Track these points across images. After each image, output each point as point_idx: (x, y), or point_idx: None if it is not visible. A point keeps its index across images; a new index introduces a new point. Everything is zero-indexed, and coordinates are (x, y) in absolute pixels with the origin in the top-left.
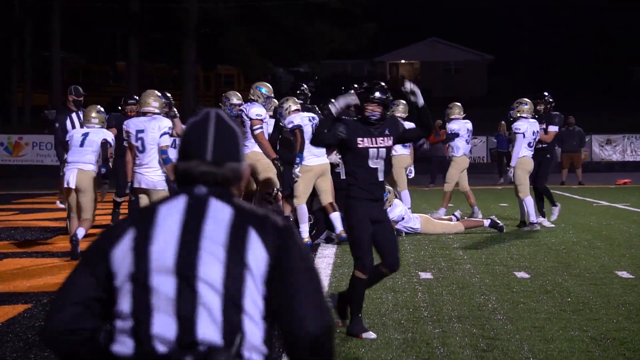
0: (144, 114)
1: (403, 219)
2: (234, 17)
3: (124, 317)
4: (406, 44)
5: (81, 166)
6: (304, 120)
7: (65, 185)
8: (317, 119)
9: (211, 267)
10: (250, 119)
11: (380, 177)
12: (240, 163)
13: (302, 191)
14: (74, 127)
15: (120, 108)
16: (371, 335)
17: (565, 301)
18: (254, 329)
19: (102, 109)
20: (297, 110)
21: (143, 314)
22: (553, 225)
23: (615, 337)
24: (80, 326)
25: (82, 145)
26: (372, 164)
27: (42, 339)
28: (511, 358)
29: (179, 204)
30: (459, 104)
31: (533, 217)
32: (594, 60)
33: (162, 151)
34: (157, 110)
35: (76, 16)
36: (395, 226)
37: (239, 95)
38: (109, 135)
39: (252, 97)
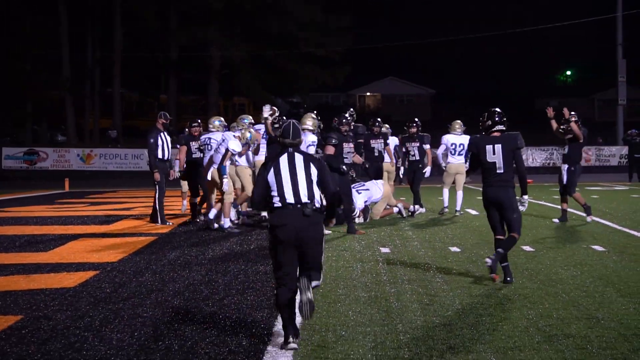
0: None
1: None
2: (246, 62)
3: (275, 193)
4: (371, 81)
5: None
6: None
7: (209, 179)
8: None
9: (300, 174)
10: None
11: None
12: (301, 139)
13: None
14: (162, 142)
15: (187, 130)
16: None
17: (485, 268)
18: (317, 195)
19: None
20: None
21: (281, 191)
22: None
23: (520, 293)
24: (258, 201)
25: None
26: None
27: (252, 205)
28: (446, 309)
29: (285, 155)
30: (459, 121)
31: (446, 203)
32: (509, 91)
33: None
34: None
35: (131, 63)
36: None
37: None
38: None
39: (211, 129)
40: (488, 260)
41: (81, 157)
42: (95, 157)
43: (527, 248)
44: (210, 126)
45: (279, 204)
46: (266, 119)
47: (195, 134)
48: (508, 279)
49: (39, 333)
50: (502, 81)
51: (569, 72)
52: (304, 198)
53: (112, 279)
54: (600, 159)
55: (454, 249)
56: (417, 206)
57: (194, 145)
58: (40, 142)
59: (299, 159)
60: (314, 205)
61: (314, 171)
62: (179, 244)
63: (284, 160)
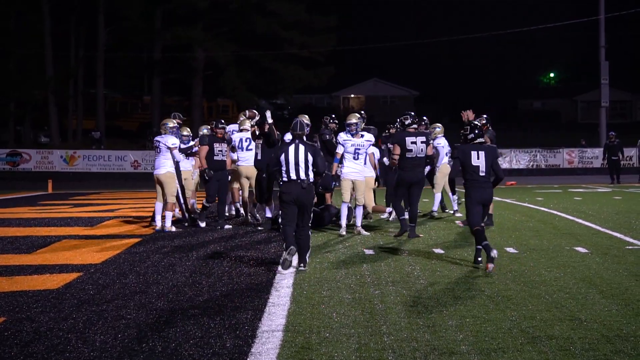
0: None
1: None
2: (230, 63)
3: (284, 169)
4: (355, 83)
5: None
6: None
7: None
8: None
9: (301, 159)
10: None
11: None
12: (304, 132)
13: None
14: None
15: (211, 130)
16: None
17: (469, 269)
18: (311, 174)
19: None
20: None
21: (287, 169)
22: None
23: (504, 295)
24: (275, 169)
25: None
26: None
27: (268, 174)
28: (430, 311)
29: (292, 144)
30: (440, 125)
31: (436, 207)
32: (493, 92)
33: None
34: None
35: (115, 63)
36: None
37: (188, 129)
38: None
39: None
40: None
41: (64, 158)
42: (79, 158)
43: (510, 250)
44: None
45: (286, 179)
46: (270, 124)
47: (219, 135)
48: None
49: (22, 335)
50: (486, 82)
51: (552, 74)
52: (302, 176)
53: (96, 280)
54: (583, 161)
55: (438, 250)
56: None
57: (217, 147)
58: (23, 142)
59: (302, 148)
60: (309, 180)
61: (310, 158)
62: (163, 246)
63: (292, 147)
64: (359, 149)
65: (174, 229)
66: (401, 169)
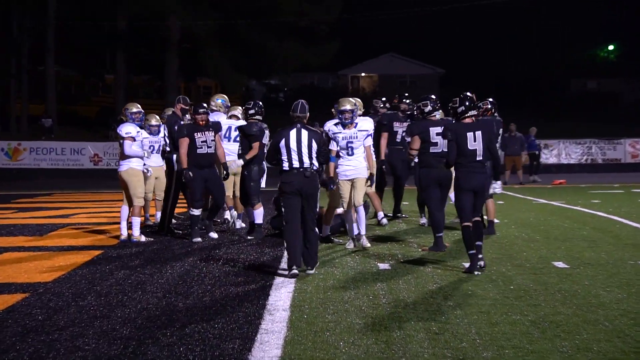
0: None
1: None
2: (212, 34)
3: (285, 157)
4: (366, 59)
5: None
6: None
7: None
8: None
9: (304, 146)
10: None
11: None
12: (307, 115)
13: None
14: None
15: (191, 116)
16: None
17: (508, 289)
18: (314, 161)
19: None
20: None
21: (289, 157)
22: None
23: (552, 320)
24: (275, 159)
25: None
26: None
27: (266, 159)
28: (460, 340)
29: (294, 128)
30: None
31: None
32: (537, 71)
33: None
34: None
35: (69, 34)
36: None
37: (157, 117)
38: None
39: (214, 108)
40: (481, 262)
41: (6, 151)
42: (25, 151)
43: (559, 264)
44: (212, 104)
45: (287, 167)
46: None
47: (202, 122)
48: (478, 268)
49: None
50: (529, 59)
51: (611, 47)
52: (306, 164)
53: (46, 303)
54: None
55: (469, 265)
56: (381, 214)
57: (199, 137)
58: None
59: (304, 133)
60: (312, 168)
61: (314, 145)
62: (130, 260)
63: (293, 133)
64: (352, 142)
65: (143, 238)
66: (426, 166)
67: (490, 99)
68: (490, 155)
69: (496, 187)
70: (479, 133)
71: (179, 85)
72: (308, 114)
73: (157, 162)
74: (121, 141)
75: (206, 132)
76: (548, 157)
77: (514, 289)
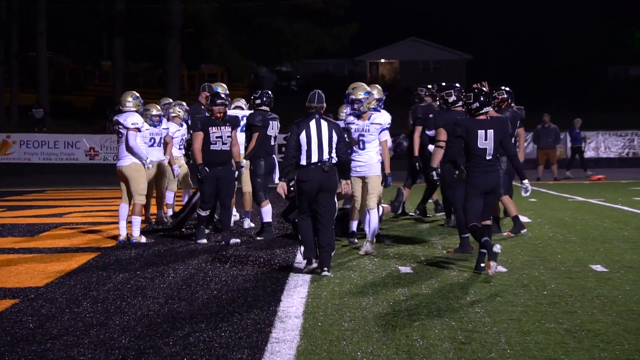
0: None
1: None
2: (217, 18)
3: (303, 151)
4: (386, 44)
5: None
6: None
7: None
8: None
9: (324, 138)
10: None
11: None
12: (323, 105)
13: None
14: None
15: (206, 108)
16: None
17: (541, 294)
18: (334, 155)
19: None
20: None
21: (309, 151)
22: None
23: (589, 329)
24: (297, 153)
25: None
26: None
27: (284, 157)
28: (489, 350)
29: (313, 119)
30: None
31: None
32: (570, 59)
33: None
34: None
35: (62, 17)
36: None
37: (158, 107)
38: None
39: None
40: (497, 247)
41: None
42: (14, 144)
43: (597, 268)
44: (171, 111)
45: (304, 162)
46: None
47: (218, 115)
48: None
49: None
50: (562, 42)
51: None
52: (325, 158)
53: (37, 310)
54: None
55: (499, 268)
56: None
57: (214, 132)
58: None
59: (324, 124)
60: (331, 162)
61: (334, 137)
62: (129, 262)
63: (312, 125)
64: (364, 135)
65: (143, 239)
66: (450, 161)
67: (506, 88)
68: (507, 154)
69: (527, 186)
70: (491, 131)
71: (181, 73)
72: (325, 105)
73: (158, 156)
74: (120, 134)
75: (222, 127)
76: (586, 151)
77: (548, 295)
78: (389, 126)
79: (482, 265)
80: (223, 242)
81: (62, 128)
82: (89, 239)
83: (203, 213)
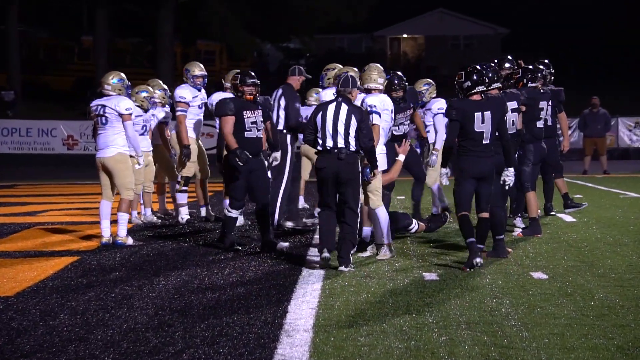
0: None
1: None
2: None
3: (319, 135)
4: (410, 17)
5: None
6: None
7: None
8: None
9: (341, 122)
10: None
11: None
12: (351, 89)
13: None
14: None
15: (234, 87)
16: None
17: (587, 305)
18: (354, 142)
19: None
20: None
21: (323, 135)
22: None
23: None
24: (313, 136)
25: None
26: None
27: (304, 139)
28: None
29: (334, 102)
30: (430, 81)
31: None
32: (621, 35)
33: None
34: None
35: None
36: None
37: (150, 89)
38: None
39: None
40: (479, 260)
41: None
42: None
43: None
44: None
45: (321, 148)
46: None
47: (250, 97)
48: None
49: None
50: (608, 17)
51: None
52: (340, 144)
53: (7, 323)
54: None
55: (538, 274)
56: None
57: (248, 116)
58: None
59: (344, 108)
60: (349, 150)
61: (354, 122)
62: (114, 268)
63: (331, 107)
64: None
65: (130, 240)
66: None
67: (544, 60)
68: (501, 138)
69: (510, 177)
70: (488, 113)
71: (174, 50)
72: (355, 90)
73: (147, 146)
74: (101, 119)
75: (256, 111)
76: (638, 139)
77: (595, 305)
78: (376, 109)
79: (478, 261)
80: (269, 251)
81: (35, 113)
82: (67, 240)
83: (234, 213)
